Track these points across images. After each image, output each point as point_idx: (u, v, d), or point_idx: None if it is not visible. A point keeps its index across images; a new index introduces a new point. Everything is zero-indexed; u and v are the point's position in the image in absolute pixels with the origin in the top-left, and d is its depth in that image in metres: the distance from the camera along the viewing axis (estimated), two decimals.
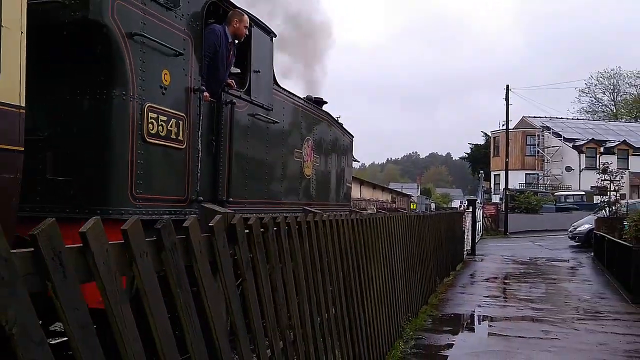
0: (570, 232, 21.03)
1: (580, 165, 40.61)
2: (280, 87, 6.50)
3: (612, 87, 58.23)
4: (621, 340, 6.46)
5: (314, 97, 8.62)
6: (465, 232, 15.71)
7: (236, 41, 5.28)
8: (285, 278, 2.84)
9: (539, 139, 42.43)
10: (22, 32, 2.94)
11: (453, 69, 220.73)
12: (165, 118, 4.23)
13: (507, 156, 32.86)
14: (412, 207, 36.33)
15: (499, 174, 41.61)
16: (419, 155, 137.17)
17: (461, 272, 12.81)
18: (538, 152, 42.27)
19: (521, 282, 11.69)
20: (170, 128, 4.30)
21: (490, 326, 7.26)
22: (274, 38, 6.08)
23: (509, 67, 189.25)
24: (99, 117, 3.78)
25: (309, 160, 7.54)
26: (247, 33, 5.36)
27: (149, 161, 4.09)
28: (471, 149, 52.69)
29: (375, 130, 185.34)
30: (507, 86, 31.77)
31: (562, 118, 47.64)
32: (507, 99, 31.43)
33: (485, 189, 45.14)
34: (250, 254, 2.45)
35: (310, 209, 6.73)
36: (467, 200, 20.57)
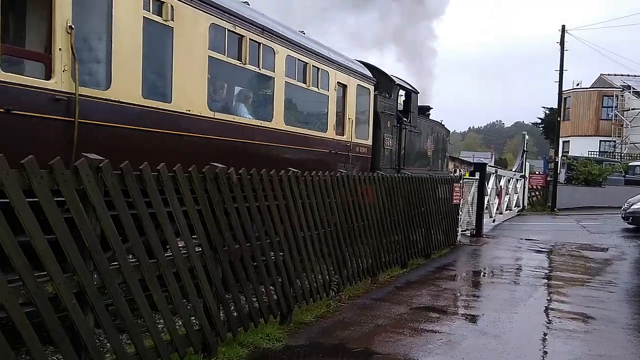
0: (623, 210, 17.59)
1: None
2: (418, 114, 14.90)
3: None
4: None
5: (425, 105, 17.06)
6: (466, 206, 14.06)
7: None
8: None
9: (617, 100, 39.25)
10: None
11: (538, 33, 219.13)
12: (389, 138, 12.69)
13: (559, 115, 28.30)
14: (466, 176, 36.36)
15: (568, 141, 39.37)
16: (503, 124, 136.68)
17: (430, 262, 10.22)
18: (616, 115, 39.67)
19: (505, 284, 9.02)
20: (390, 142, 12.77)
21: None
22: (418, 94, 14.50)
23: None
24: (376, 141, 12.23)
25: (429, 147, 15.90)
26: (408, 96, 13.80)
27: (385, 156, 12.56)
28: (545, 113, 48.63)
29: (455, 100, 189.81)
30: (563, 27, 26.59)
31: None
32: (562, 43, 26.38)
33: (549, 157, 41.86)
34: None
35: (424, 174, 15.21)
36: (476, 164, 16.49)
